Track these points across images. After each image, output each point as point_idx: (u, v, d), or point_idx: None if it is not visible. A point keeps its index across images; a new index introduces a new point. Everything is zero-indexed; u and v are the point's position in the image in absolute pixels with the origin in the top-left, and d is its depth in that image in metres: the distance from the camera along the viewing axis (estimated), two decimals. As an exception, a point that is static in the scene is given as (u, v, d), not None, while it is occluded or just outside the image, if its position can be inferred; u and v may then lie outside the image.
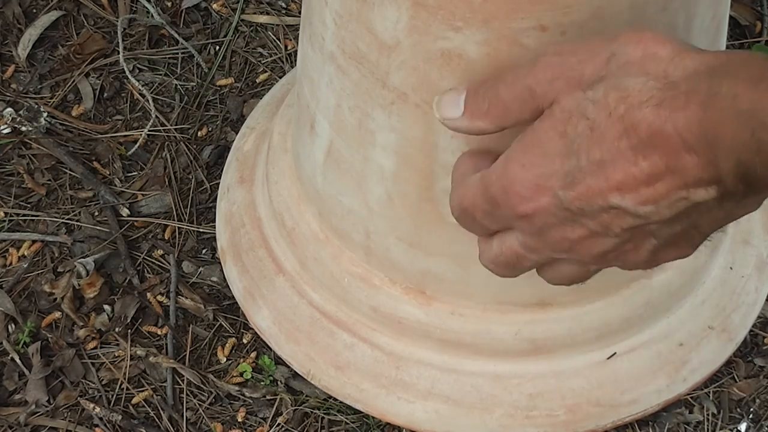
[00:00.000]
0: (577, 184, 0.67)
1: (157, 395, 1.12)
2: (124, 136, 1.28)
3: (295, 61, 1.30)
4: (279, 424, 1.10)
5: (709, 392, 1.11)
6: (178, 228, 1.21)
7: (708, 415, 1.10)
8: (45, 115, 1.28)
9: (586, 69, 0.68)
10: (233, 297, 1.15)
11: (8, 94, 1.31)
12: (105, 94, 1.31)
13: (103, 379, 1.13)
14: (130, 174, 1.26)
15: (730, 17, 1.33)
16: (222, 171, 1.22)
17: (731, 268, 1.10)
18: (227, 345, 1.14)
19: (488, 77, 0.74)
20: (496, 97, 0.72)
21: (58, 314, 1.16)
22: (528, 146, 0.69)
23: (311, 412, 1.10)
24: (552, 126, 0.68)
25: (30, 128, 1.27)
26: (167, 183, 1.24)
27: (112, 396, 1.12)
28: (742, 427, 1.11)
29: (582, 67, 0.68)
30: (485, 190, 0.72)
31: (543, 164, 0.68)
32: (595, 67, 0.68)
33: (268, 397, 1.11)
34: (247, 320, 1.14)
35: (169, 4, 1.37)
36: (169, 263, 1.19)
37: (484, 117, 0.73)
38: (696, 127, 0.61)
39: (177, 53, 1.34)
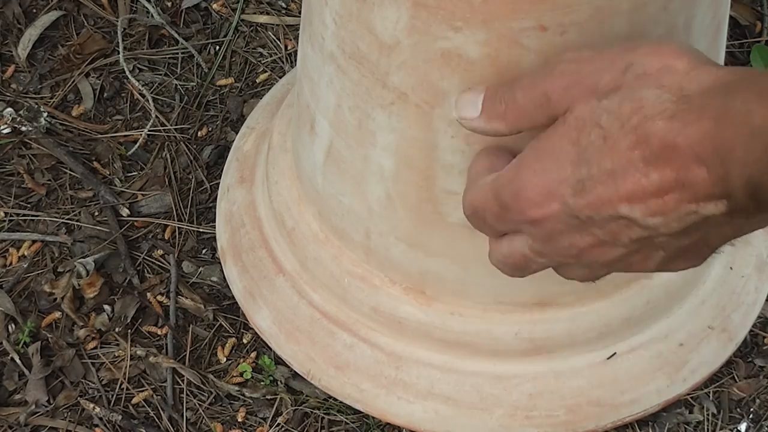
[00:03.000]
0: (587, 192, 0.67)
1: (157, 395, 1.12)
2: (124, 136, 1.28)
3: (295, 61, 1.30)
4: (279, 424, 1.10)
5: (709, 392, 1.11)
6: (178, 228, 1.21)
7: (708, 415, 1.10)
8: (45, 115, 1.28)
9: (603, 78, 0.68)
10: (233, 297, 1.15)
11: (8, 94, 1.31)
12: (105, 94, 1.31)
13: (103, 379, 1.13)
14: (130, 174, 1.26)
15: (730, 17, 1.33)
16: (222, 171, 1.22)
17: (731, 268, 1.10)
18: (227, 345, 1.14)
19: (506, 80, 0.75)
20: (513, 101, 0.73)
21: (58, 314, 1.16)
22: (541, 152, 0.70)
23: (311, 412, 1.10)
24: (565, 133, 0.68)
25: (30, 128, 1.27)
26: (167, 183, 1.24)
27: (112, 396, 1.12)
28: (742, 427, 1.11)
29: (598, 75, 0.69)
30: (497, 194, 0.73)
31: (554, 171, 0.69)
32: (612, 76, 0.68)
33: (268, 397, 1.11)
34: (247, 320, 1.14)
35: (169, 4, 1.37)
36: (169, 263, 1.19)
37: (500, 119, 0.74)
38: (708, 141, 0.61)
39: (177, 53, 1.34)
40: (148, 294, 1.17)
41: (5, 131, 1.27)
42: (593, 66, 0.69)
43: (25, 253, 1.20)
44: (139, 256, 1.20)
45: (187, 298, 1.17)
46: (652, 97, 0.65)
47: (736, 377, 1.13)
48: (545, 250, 0.73)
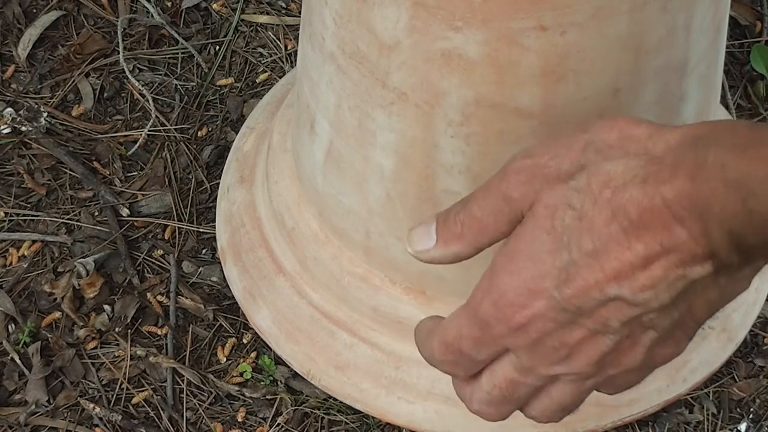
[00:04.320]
0: (571, 280, 0.64)
1: (157, 395, 1.12)
2: (124, 136, 1.28)
3: (295, 61, 1.30)
4: (279, 424, 1.10)
5: (709, 392, 1.12)
6: (178, 228, 1.21)
7: (708, 415, 1.10)
8: (45, 115, 1.28)
9: (563, 163, 0.66)
10: (233, 297, 1.15)
11: (8, 94, 1.31)
12: (105, 94, 1.31)
13: (103, 379, 1.13)
14: (130, 174, 1.26)
15: (730, 17, 1.33)
16: (222, 171, 1.22)
17: (731, 268, 1.10)
18: (227, 345, 1.14)
19: (454, 204, 0.71)
20: (469, 217, 0.69)
21: (58, 314, 1.16)
22: (513, 252, 0.66)
23: (311, 412, 1.10)
24: (536, 225, 0.65)
25: (30, 128, 1.27)
26: (167, 183, 1.24)
27: (112, 396, 1.12)
28: (742, 427, 1.11)
29: (558, 162, 0.66)
30: (472, 315, 0.69)
31: (533, 266, 0.65)
32: (572, 159, 0.66)
33: (268, 397, 1.11)
34: (247, 320, 1.14)
35: (169, 4, 1.37)
36: (169, 263, 1.19)
37: (458, 240, 0.70)
38: (686, 199, 0.60)
39: (177, 53, 1.34)
40: (148, 294, 1.17)
41: (5, 131, 1.27)
42: (549, 155, 0.67)
43: (25, 253, 1.20)
44: (139, 256, 1.20)
45: (187, 298, 1.17)
46: (620, 167, 0.63)
47: (736, 377, 1.13)
48: (533, 362, 0.69)
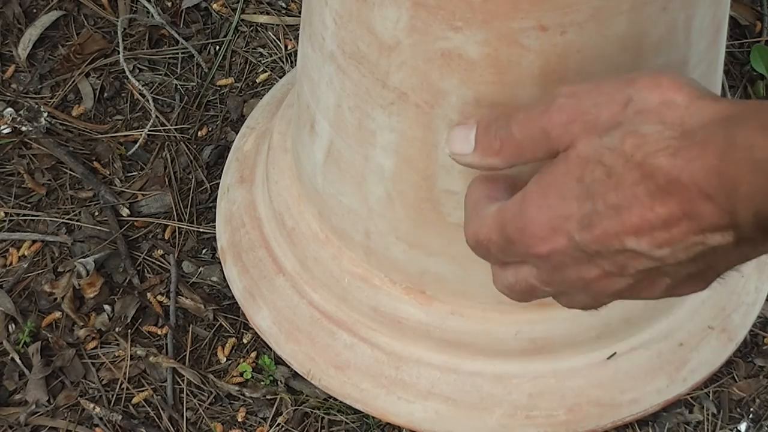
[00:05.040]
0: (593, 227, 0.67)
1: (157, 395, 1.12)
2: (124, 136, 1.28)
3: (295, 61, 1.30)
4: (279, 424, 1.10)
5: (709, 392, 1.11)
6: (178, 228, 1.21)
7: (708, 415, 1.10)
8: (45, 115, 1.28)
9: (602, 113, 0.68)
10: (233, 297, 1.15)
11: (8, 94, 1.31)
12: (105, 94, 1.31)
13: (103, 379, 1.13)
14: (130, 174, 1.26)
15: (730, 17, 1.33)
16: (222, 171, 1.22)
17: (731, 268, 1.10)
18: (227, 345, 1.14)
19: (498, 113, 0.74)
20: (509, 136, 0.72)
21: (58, 314, 1.16)
22: (544, 188, 0.70)
23: (311, 412, 1.10)
24: (568, 171, 0.68)
25: (30, 128, 1.27)
26: (167, 183, 1.24)
27: (112, 396, 1.12)
28: (742, 427, 1.11)
29: (598, 111, 0.68)
30: (501, 228, 0.72)
31: (559, 207, 0.68)
32: (612, 111, 0.68)
33: (268, 397, 1.11)
34: (247, 320, 1.14)
35: (169, 4, 1.37)
36: (169, 263, 1.19)
37: (496, 155, 0.74)
38: (713, 177, 0.62)
39: (177, 53, 1.34)
40: (148, 294, 1.17)
41: (5, 131, 1.27)
42: (591, 101, 0.69)
43: (25, 253, 1.20)
44: (139, 256, 1.20)
45: (187, 298, 1.17)
46: (654, 134, 0.65)
47: (736, 377, 1.13)
48: (552, 281, 0.72)
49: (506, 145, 0.73)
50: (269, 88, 1.27)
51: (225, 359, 1.14)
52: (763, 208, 0.61)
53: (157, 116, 1.28)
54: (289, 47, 1.35)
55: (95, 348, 1.14)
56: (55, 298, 1.17)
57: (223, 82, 1.32)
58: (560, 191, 0.69)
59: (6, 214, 1.23)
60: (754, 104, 0.63)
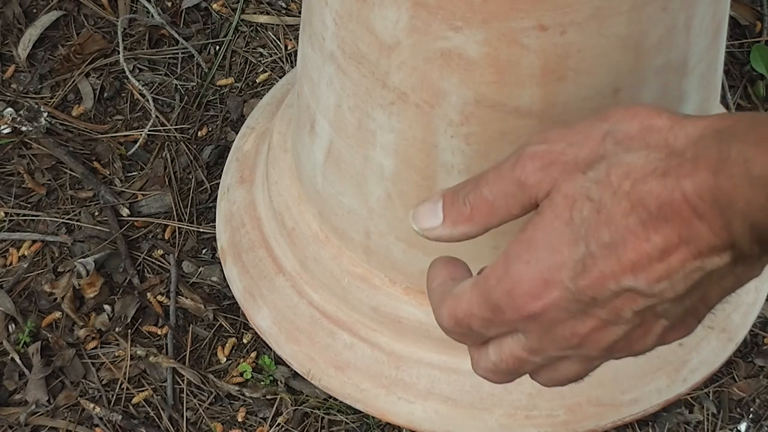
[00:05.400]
0: (588, 271, 0.64)
1: (157, 395, 1.12)
2: (124, 136, 1.28)
3: (295, 61, 1.30)
4: (279, 424, 1.10)
5: (709, 392, 1.12)
6: (178, 228, 1.21)
7: (708, 415, 1.10)
8: (45, 115, 1.28)
9: (581, 151, 0.65)
10: (233, 297, 1.15)
11: (8, 94, 1.31)
12: (105, 94, 1.31)
13: (103, 379, 1.13)
14: (130, 174, 1.26)
15: (730, 17, 1.33)
16: (222, 171, 1.22)
17: (731, 268, 1.10)
18: (227, 345, 1.14)
19: (464, 181, 0.71)
20: (479, 198, 0.69)
21: (58, 314, 1.16)
22: (529, 242, 0.66)
23: (311, 412, 1.10)
24: (555, 215, 0.65)
25: (30, 128, 1.27)
26: (167, 183, 1.24)
27: (112, 396, 1.12)
28: (742, 427, 1.11)
29: (575, 150, 0.65)
30: (484, 298, 0.68)
31: (550, 257, 0.65)
32: (590, 147, 0.65)
33: (268, 397, 1.11)
34: (247, 320, 1.14)
35: (169, 4, 1.37)
36: (169, 263, 1.19)
37: (467, 221, 0.69)
38: (707, 194, 0.59)
39: (177, 53, 1.34)
40: (148, 294, 1.17)
41: (5, 131, 1.27)
42: (565, 142, 0.66)
43: (25, 253, 1.20)
44: (139, 256, 1.20)
45: (187, 298, 1.17)
46: (640, 159, 0.62)
47: (736, 377, 1.13)
48: (543, 346, 0.68)
49: (477, 208, 0.69)
50: (269, 88, 1.27)
51: (225, 359, 1.14)
52: (760, 221, 0.59)
53: (157, 116, 1.28)
54: (289, 47, 1.35)
55: (95, 348, 1.14)
56: (55, 298, 1.17)
57: (223, 82, 1.32)
58: (548, 240, 0.65)
59: (6, 214, 1.23)
60: (746, 117, 0.61)
